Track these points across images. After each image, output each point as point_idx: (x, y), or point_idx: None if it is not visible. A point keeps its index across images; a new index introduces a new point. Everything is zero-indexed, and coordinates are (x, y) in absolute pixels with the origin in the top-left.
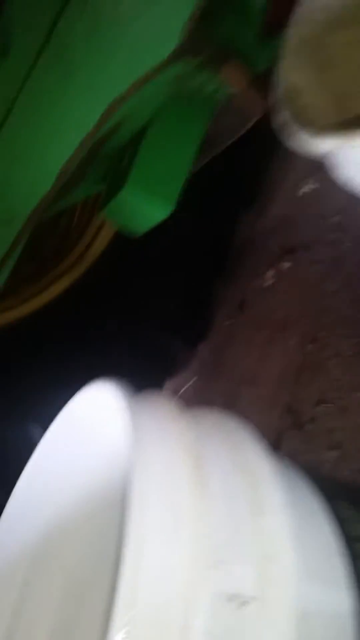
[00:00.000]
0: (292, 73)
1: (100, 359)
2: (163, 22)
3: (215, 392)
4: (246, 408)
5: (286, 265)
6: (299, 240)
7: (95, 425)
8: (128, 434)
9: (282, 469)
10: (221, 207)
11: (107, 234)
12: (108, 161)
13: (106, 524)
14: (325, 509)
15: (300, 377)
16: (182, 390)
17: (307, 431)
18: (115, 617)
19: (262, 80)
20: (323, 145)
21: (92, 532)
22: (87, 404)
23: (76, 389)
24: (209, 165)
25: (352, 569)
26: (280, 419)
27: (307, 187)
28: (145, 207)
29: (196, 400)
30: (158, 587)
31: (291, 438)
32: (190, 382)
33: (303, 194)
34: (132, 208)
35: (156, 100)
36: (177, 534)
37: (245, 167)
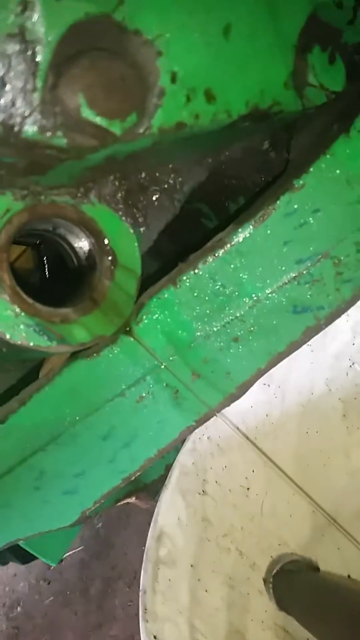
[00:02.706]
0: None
1: None
2: None
3: (95, 573)
4: (117, 607)
5: None
6: None
7: None
8: None
9: None
10: None
11: None
12: None
13: None
14: None
15: None
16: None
17: None
18: None
19: (152, 488)
20: None
21: None
22: None
23: None
24: None
25: None
26: None
27: None
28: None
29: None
30: None
31: None
32: (76, 550)
33: None
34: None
35: None
36: None
37: None
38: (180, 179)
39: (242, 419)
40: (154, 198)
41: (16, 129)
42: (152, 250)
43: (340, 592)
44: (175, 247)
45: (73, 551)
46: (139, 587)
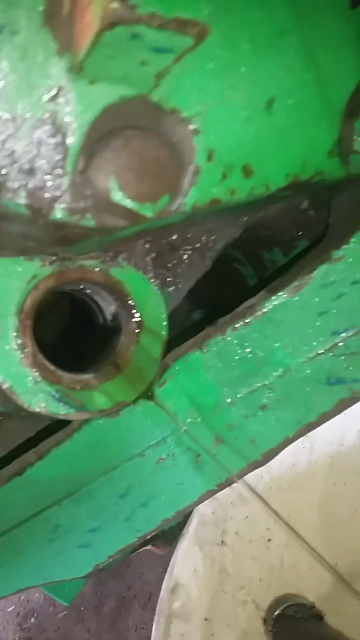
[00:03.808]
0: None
1: None
2: None
3: (110, 591)
4: (130, 628)
5: None
6: None
7: None
8: None
9: None
10: None
11: None
12: None
13: None
14: None
15: None
16: None
17: None
18: None
19: (169, 535)
20: None
21: None
22: None
23: None
24: None
25: None
26: None
27: None
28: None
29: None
30: None
31: None
32: None
33: None
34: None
35: None
36: None
37: None
38: (213, 238)
39: (266, 467)
40: (184, 257)
41: (44, 212)
42: (184, 304)
43: None
44: (208, 290)
45: None
46: (153, 609)
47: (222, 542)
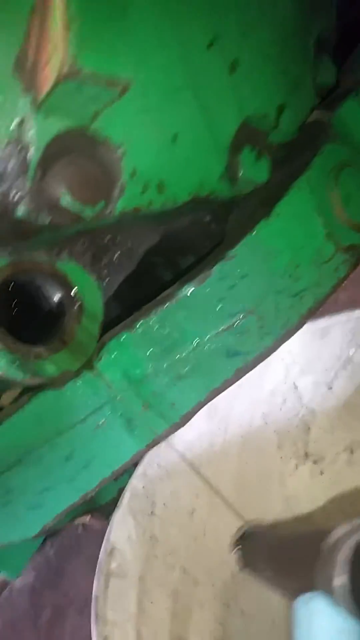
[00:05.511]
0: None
1: None
2: None
3: (46, 602)
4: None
5: None
6: None
7: None
8: None
9: None
10: None
11: None
12: None
13: None
14: None
15: None
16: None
17: None
18: None
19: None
20: None
21: None
22: None
23: None
24: None
25: None
26: None
27: None
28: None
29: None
30: None
31: None
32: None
33: None
34: None
35: None
36: None
37: None
38: (137, 242)
39: (188, 447)
40: (114, 257)
41: (9, 209)
42: (116, 297)
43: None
44: (137, 293)
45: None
46: (89, 613)
47: (152, 512)
